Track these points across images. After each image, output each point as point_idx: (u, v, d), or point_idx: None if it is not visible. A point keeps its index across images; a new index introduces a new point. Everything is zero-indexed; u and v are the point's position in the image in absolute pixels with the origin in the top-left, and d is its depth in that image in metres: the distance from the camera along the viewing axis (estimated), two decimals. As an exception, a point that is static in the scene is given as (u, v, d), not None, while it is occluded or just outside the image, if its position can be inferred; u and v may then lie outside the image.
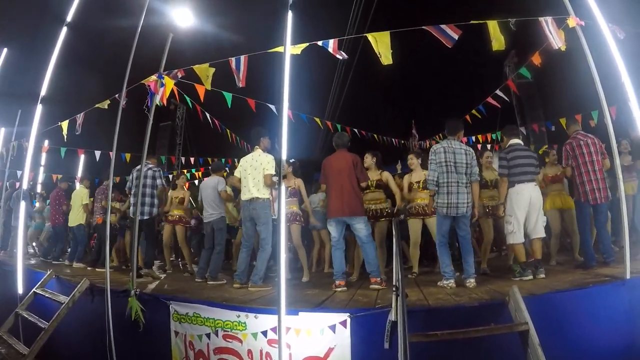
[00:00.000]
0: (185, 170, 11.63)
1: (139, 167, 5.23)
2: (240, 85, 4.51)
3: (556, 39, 4.11)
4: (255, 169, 4.84)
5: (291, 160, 5.82)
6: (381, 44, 3.96)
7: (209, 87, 4.68)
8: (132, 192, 5.90)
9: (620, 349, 3.07)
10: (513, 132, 4.79)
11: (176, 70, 4.56)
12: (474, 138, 10.06)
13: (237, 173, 5.05)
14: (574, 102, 7.92)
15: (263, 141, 5.02)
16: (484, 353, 2.98)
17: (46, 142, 8.90)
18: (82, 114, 6.12)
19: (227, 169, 9.89)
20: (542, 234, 4.44)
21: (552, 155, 5.74)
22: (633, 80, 3.87)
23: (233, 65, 4.45)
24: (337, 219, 4.60)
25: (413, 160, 5.43)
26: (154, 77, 4.49)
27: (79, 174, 10.62)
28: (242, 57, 4.41)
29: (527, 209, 4.34)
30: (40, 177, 10.41)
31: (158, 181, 5.79)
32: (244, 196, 4.89)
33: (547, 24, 4.11)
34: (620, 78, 3.87)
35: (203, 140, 17.23)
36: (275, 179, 4.72)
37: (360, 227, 4.53)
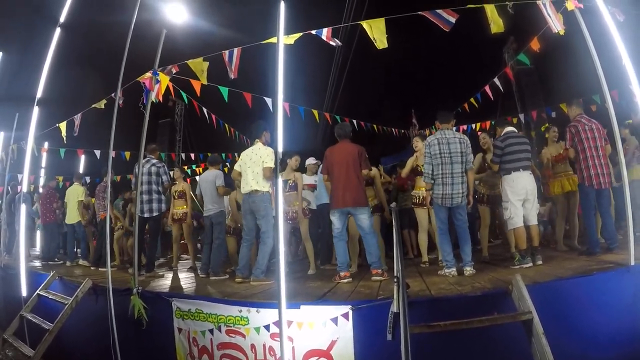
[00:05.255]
0: (185, 167, 11.62)
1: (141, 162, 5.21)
2: (232, 77, 4.47)
3: (555, 23, 4.03)
4: (254, 162, 4.82)
5: (294, 157, 5.80)
6: (376, 30, 3.91)
7: (204, 82, 4.64)
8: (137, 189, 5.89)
9: (625, 336, 3.04)
10: (505, 122, 4.90)
11: (170, 66, 4.52)
12: (473, 125, 9.98)
13: (237, 167, 5.05)
14: (575, 87, 7.83)
15: (265, 135, 5.01)
16: (488, 343, 2.96)
17: (45, 144, 8.90)
18: (79, 115, 6.09)
19: (227, 163, 9.88)
20: (536, 222, 4.51)
21: (552, 131, 5.62)
22: (634, 63, 3.80)
23: (226, 58, 4.40)
24: (341, 209, 4.58)
25: (418, 143, 5.35)
26: (148, 74, 4.45)
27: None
28: (235, 50, 4.37)
29: (523, 197, 4.41)
30: (42, 179, 10.42)
31: (164, 177, 5.75)
32: (244, 189, 4.87)
33: (546, 7, 4.03)
34: (621, 61, 3.81)
35: (203, 136, 17.19)
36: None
37: (364, 218, 4.53)
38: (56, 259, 7.84)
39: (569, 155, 4.84)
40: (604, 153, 4.53)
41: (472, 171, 4.41)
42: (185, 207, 6.69)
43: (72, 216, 7.48)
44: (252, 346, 3.47)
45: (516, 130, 4.73)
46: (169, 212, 6.62)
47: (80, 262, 7.21)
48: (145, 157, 5.30)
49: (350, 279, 4.47)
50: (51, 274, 5.29)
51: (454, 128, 4.65)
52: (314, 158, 6.24)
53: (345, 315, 3.23)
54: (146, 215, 5.55)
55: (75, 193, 7.50)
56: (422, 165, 5.21)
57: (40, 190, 10.06)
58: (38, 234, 9.18)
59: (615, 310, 3.13)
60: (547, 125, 7.71)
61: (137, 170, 5.82)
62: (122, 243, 7.56)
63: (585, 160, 4.51)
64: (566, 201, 5.37)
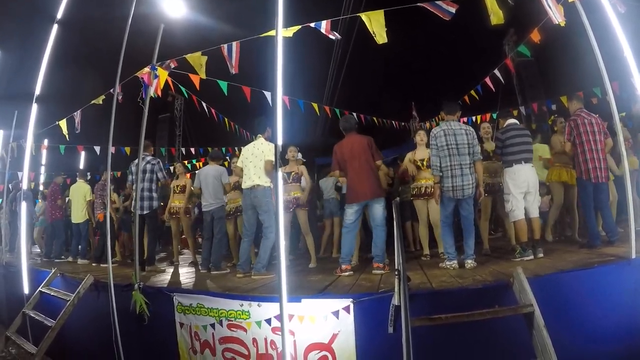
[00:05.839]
0: (185, 161, 11.62)
1: (135, 161, 5.20)
2: (233, 72, 4.45)
3: (556, 14, 4.00)
4: (256, 157, 4.82)
5: (289, 148, 5.78)
6: (375, 23, 3.88)
7: (203, 76, 4.61)
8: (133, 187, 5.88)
9: (626, 329, 3.05)
10: (508, 114, 4.94)
11: (169, 61, 4.49)
12: (474, 118, 9.97)
13: (239, 162, 5.04)
14: (575, 79, 7.81)
15: (268, 131, 4.98)
16: (489, 335, 2.96)
17: (45, 141, 8.89)
18: (79, 111, 6.08)
19: (227, 158, 9.88)
20: (537, 214, 4.52)
21: (559, 122, 5.63)
22: (635, 55, 3.78)
23: (225, 52, 4.38)
24: (360, 203, 4.55)
25: (423, 137, 5.32)
26: (146, 69, 4.43)
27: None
28: (234, 44, 4.34)
29: (524, 190, 4.41)
30: (42, 177, 10.43)
31: (159, 174, 5.75)
32: (245, 184, 4.87)
33: (546, -2, 4.00)
34: (622, 53, 3.78)
35: (202, 131, 17.21)
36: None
37: (379, 208, 4.52)
38: (62, 257, 7.82)
39: (565, 149, 4.85)
40: (603, 147, 4.52)
41: (480, 162, 4.37)
42: (183, 202, 6.53)
43: (78, 215, 7.43)
44: (254, 340, 3.48)
45: (518, 123, 4.73)
46: (167, 208, 6.61)
47: (80, 261, 7.20)
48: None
49: (352, 272, 4.47)
50: (53, 270, 5.30)
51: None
52: (299, 153, 6.20)
53: (347, 309, 3.23)
54: (138, 212, 5.55)
55: (81, 191, 7.43)
56: (420, 160, 5.21)
57: (41, 187, 10.09)
58: (36, 231, 9.17)
59: (616, 303, 3.13)
60: (553, 117, 7.71)
61: (132, 168, 5.82)
62: (124, 239, 7.57)
63: (584, 154, 4.51)
64: (562, 190, 5.39)
